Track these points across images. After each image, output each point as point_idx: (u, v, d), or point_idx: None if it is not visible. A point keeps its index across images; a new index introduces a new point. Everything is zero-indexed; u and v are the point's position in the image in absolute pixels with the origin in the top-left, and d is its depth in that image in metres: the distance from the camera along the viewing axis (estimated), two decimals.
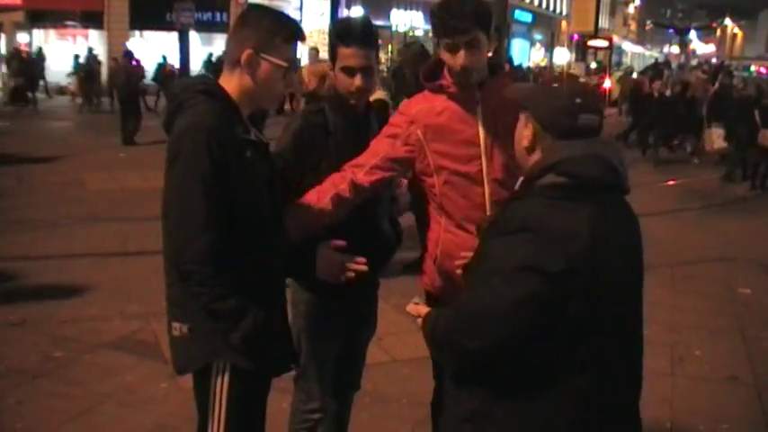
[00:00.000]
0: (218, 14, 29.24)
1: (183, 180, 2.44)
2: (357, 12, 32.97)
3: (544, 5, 54.76)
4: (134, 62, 17.90)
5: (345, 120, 3.19)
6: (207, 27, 26.41)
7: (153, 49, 27.25)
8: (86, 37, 26.60)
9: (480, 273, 2.16)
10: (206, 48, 26.39)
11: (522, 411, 2.14)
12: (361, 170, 3.11)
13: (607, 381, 2.14)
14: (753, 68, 67.44)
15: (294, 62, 2.74)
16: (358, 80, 3.10)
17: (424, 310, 2.45)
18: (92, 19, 26.70)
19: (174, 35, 22.20)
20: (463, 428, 2.26)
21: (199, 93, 2.57)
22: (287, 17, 2.78)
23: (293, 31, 2.69)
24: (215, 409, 2.60)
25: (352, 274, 2.99)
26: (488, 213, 3.06)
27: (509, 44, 18.23)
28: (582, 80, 2.75)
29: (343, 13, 28.29)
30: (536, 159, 2.24)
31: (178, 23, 16.16)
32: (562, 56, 47.30)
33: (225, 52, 2.77)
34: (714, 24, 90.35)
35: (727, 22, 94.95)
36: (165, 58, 23.39)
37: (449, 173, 3.13)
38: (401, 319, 3.36)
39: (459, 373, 2.29)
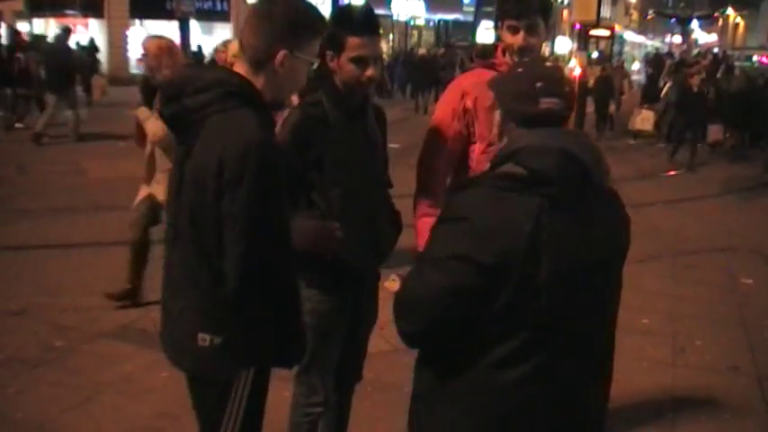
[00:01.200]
0: (218, 3, 29.18)
1: (252, 205, 2.31)
2: (358, 0, 32.90)
3: None
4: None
5: (344, 111, 3.16)
6: (207, 16, 26.38)
7: None
8: (86, 26, 26.54)
9: (418, 258, 2.16)
10: (206, 37, 26.31)
11: (465, 396, 2.13)
12: (447, 164, 3.42)
13: (549, 378, 2.08)
14: (755, 58, 67.25)
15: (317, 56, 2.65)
16: (371, 70, 3.09)
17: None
18: (91, 8, 26.65)
19: (175, 24, 22.16)
20: (417, 407, 2.30)
21: (235, 95, 2.42)
22: (311, 9, 2.62)
23: (322, 25, 2.61)
24: (234, 405, 2.56)
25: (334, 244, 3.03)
26: None
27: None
28: (548, 64, 2.73)
29: (344, 1, 28.23)
30: (501, 146, 2.22)
31: (179, 12, 16.08)
32: (564, 45, 47.18)
33: (244, 46, 2.53)
34: (716, 14, 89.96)
35: (729, 11, 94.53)
36: None
37: (486, 144, 3.28)
38: None
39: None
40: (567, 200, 2.05)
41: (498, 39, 3.44)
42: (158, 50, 5.39)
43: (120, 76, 25.93)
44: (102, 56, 26.25)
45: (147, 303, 5.87)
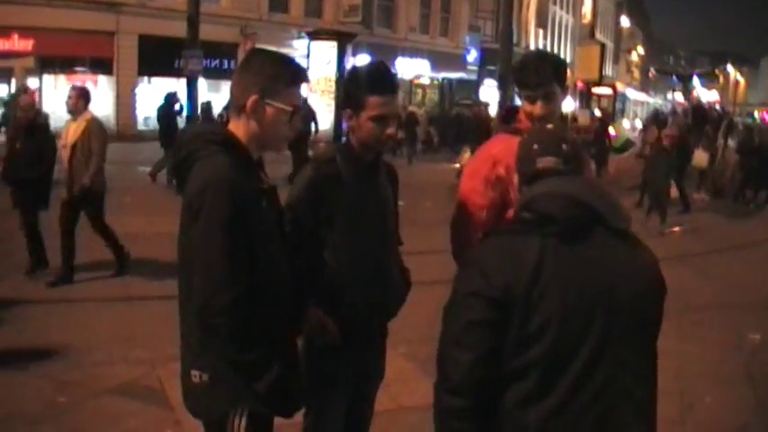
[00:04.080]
0: (225, 61, 29.55)
1: (208, 234, 2.47)
2: (363, 59, 33.28)
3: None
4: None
5: (357, 169, 3.19)
6: (215, 74, 26.66)
7: (160, 94, 27.55)
8: (95, 82, 26.83)
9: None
10: (213, 94, 26.59)
11: None
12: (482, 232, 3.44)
13: (572, 413, 2.14)
14: (756, 114, 67.76)
15: (298, 105, 2.75)
16: (391, 128, 3.14)
17: None
18: (101, 65, 26.99)
19: (181, 81, 22.39)
20: None
21: (212, 143, 2.59)
22: (289, 60, 2.81)
23: (296, 74, 2.73)
24: None
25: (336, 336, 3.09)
26: None
27: (513, 91, 18.24)
28: (549, 126, 2.88)
29: (350, 60, 28.57)
30: None
31: (186, 70, 16.25)
32: (566, 103, 47.59)
33: (230, 98, 2.76)
34: (716, 71, 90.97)
35: (729, 68, 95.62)
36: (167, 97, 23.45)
37: None
38: (409, 367, 3.34)
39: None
40: (572, 239, 2.19)
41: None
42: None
43: (127, 133, 26.19)
44: (111, 112, 26.46)
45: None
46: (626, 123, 43.14)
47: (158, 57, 26.84)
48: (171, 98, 17.97)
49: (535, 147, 2.38)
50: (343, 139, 3.36)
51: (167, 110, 17.77)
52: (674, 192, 12.47)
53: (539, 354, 2.13)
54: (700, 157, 19.34)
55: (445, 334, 2.25)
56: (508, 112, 3.75)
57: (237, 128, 2.68)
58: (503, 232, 2.32)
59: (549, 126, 2.57)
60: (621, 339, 2.20)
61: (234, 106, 2.70)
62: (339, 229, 3.12)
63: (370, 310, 3.23)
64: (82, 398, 5.33)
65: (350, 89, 3.20)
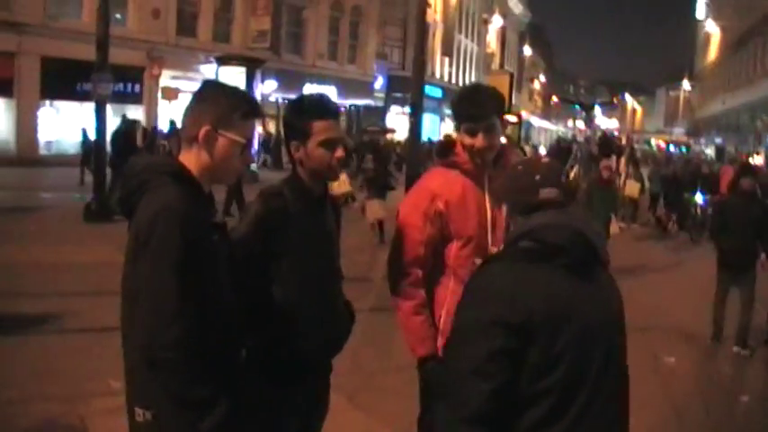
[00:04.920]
0: (130, 85, 28.99)
1: (155, 266, 2.40)
2: (271, 85, 33.19)
3: (453, 80, 56.20)
4: None
5: (306, 202, 3.15)
6: (120, 98, 26.04)
7: (64, 120, 26.81)
8: None
9: (449, 340, 2.31)
10: (117, 119, 26.01)
11: None
12: (421, 269, 3.49)
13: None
14: (653, 141, 70.43)
15: (251, 139, 2.73)
16: (340, 151, 3.13)
17: None
18: (0, 87, 26.03)
19: (86, 105, 21.83)
20: None
21: (164, 174, 2.54)
22: (243, 93, 2.80)
23: (251, 108, 2.71)
24: None
25: None
26: None
27: (420, 119, 18.52)
28: (544, 160, 2.95)
29: (258, 87, 28.38)
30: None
31: (95, 95, 15.82)
32: None
33: (181, 128, 2.72)
34: (615, 101, 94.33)
35: (627, 97, 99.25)
36: (85, 131, 22.82)
37: (464, 241, 3.45)
38: (337, 399, 3.35)
39: None
40: (579, 269, 2.28)
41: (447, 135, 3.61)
42: None
43: (28, 158, 25.31)
44: (11, 136, 25.59)
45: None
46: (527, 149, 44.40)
47: (62, 79, 26.09)
48: (131, 123, 17.87)
49: (537, 178, 2.41)
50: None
51: (126, 134, 17.51)
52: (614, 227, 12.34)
53: (553, 381, 2.18)
54: (632, 188, 20.22)
55: (458, 362, 2.21)
56: (444, 144, 3.75)
57: (189, 159, 2.64)
58: (512, 259, 2.31)
59: (545, 160, 2.60)
60: (612, 367, 2.33)
61: (186, 137, 2.66)
62: (288, 264, 3.07)
63: (320, 345, 3.20)
64: None
65: (293, 120, 3.16)
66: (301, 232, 3.08)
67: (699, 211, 18.54)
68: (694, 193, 18.77)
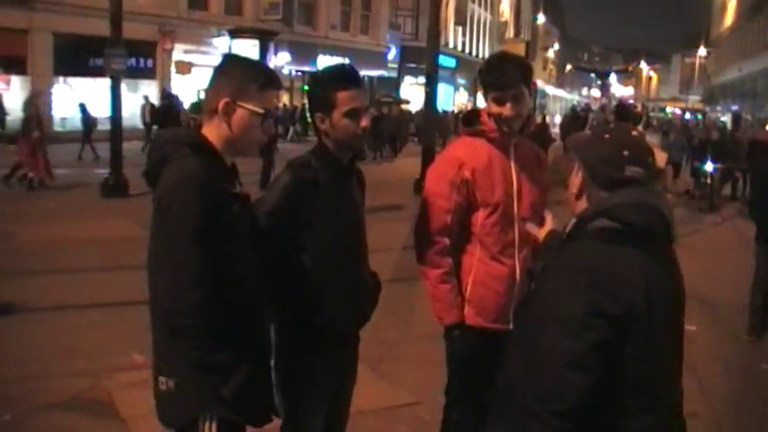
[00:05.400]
0: (142, 60, 28.95)
1: (175, 234, 2.44)
2: (284, 57, 33.09)
3: (467, 50, 55.86)
4: None
5: (334, 172, 3.14)
6: (133, 73, 25.99)
7: (77, 95, 26.80)
8: (8, 83, 25.91)
9: (540, 322, 2.17)
10: (131, 94, 25.97)
11: None
12: (448, 237, 3.52)
13: (662, 416, 2.21)
14: (668, 109, 69.86)
15: (270, 109, 2.75)
16: (365, 120, 3.11)
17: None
18: (14, 64, 26.02)
19: (99, 81, 21.82)
20: None
21: (185, 145, 2.58)
22: (262, 65, 2.86)
23: (269, 79, 2.73)
24: None
25: None
26: (516, 250, 3.52)
27: (435, 89, 18.46)
28: (634, 132, 2.79)
29: (271, 59, 28.33)
30: (583, 205, 2.32)
31: (109, 70, 15.78)
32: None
33: (204, 101, 2.76)
34: (630, 68, 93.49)
35: (643, 65, 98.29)
36: (83, 107, 22.81)
37: (491, 209, 3.48)
38: (361, 369, 3.36)
39: None
40: (661, 254, 2.24)
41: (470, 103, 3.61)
42: None
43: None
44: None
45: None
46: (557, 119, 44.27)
47: (75, 56, 26.12)
48: (172, 97, 17.92)
49: (626, 153, 2.27)
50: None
51: (167, 109, 17.62)
52: None
53: (649, 371, 2.15)
54: (660, 158, 19.69)
55: (553, 353, 2.09)
56: (470, 114, 3.78)
57: (210, 131, 2.68)
58: (597, 239, 2.20)
59: (635, 132, 2.42)
60: (680, 345, 2.34)
61: (207, 110, 2.70)
62: (318, 234, 3.07)
63: (349, 315, 3.21)
64: (27, 414, 5.10)
65: (317, 92, 3.15)
66: (330, 202, 3.09)
67: (709, 179, 17.99)
68: (704, 162, 18.12)
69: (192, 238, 2.42)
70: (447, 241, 3.53)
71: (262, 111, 2.67)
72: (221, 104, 2.62)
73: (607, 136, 2.35)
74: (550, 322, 2.13)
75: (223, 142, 2.67)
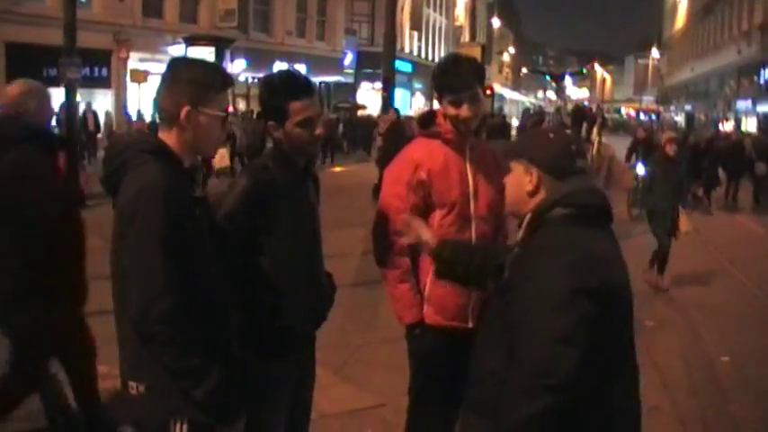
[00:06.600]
0: (98, 69, 28.63)
1: (142, 242, 2.43)
2: (240, 65, 32.93)
3: (423, 55, 56.07)
4: None
5: (291, 175, 3.15)
6: (88, 82, 25.72)
7: None
8: None
9: (524, 307, 2.28)
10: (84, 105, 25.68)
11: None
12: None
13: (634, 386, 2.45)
14: (623, 110, 70.84)
15: (228, 109, 2.77)
16: (319, 129, 3.12)
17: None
18: None
19: (54, 91, 21.56)
20: None
21: (144, 152, 2.57)
22: (214, 66, 2.87)
23: (224, 80, 2.74)
24: None
25: None
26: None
27: (392, 93, 18.56)
28: (568, 132, 3.24)
29: (228, 67, 28.14)
30: (540, 199, 2.47)
31: (65, 79, 15.59)
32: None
33: (158, 109, 2.73)
34: (584, 70, 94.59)
35: (597, 67, 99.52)
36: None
37: (447, 209, 3.52)
38: (324, 373, 3.36)
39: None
40: (611, 230, 2.48)
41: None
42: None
43: None
44: None
45: None
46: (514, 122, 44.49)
47: (28, 65, 25.61)
48: None
49: (574, 148, 2.53)
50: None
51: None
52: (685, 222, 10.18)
53: (627, 337, 2.39)
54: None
55: (541, 331, 2.21)
56: (426, 115, 3.83)
57: (168, 138, 2.66)
58: (566, 224, 2.39)
59: (569, 131, 2.79)
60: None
61: (164, 117, 2.68)
62: (276, 236, 3.07)
63: (306, 314, 3.23)
64: None
65: (269, 101, 3.15)
66: (288, 204, 3.09)
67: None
68: (635, 165, 17.10)
69: (159, 246, 2.42)
70: (404, 242, 3.54)
71: (223, 114, 2.69)
72: (183, 114, 2.60)
73: (552, 135, 2.62)
74: (535, 304, 2.25)
75: (183, 147, 2.66)
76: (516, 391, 2.20)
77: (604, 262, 2.31)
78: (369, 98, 43.51)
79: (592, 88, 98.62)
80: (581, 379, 2.18)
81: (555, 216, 2.41)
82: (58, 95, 18.66)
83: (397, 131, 16.76)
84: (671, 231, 9.61)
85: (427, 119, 3.73)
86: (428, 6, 57.00)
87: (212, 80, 2.67)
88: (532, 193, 2.49)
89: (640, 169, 16.16)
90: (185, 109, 2.59)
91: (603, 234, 2.42)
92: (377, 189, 14.60)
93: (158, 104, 2.71)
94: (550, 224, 2.40)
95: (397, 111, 19.40)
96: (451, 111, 3.51)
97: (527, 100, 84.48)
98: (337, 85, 43.67)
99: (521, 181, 2.51)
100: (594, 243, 2.35)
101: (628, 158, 18.40)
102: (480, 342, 2.56)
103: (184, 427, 2.57)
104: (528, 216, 2.49)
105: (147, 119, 24.14)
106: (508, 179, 2.59)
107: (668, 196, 9.73)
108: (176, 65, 2.77)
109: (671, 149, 10.05)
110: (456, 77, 3.51)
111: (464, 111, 3.47)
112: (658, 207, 9.73)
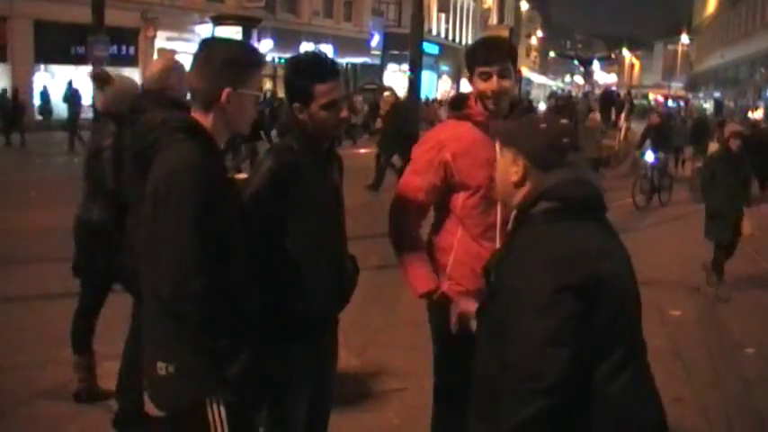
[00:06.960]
0: (125, 47, 28.78)
1: (176, 221, 2.43)
2: (267, 45, 32.93)
3: (450, 37, 55.79)
4: None
5: (315, 157, 3.17)
6: (116, 61, 25.85)
7: (60, 83, 26.59)
8: None
9: (510, 310, 2.21)
10: None
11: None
12: (419, 212, 3.60)
13: (642, 379, 2.33)
14: (651, 96, 70.07)
15: (262, 87, 2.77)
16: (344, 111, 3.13)
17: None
18: None
19: (81, 69, 21.67)
20: None
21: (178, 130, 2.57)
22: (247, 46, 2.91)
23: (259, 60, 2.79)
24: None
25: None
26: (498, 233, 3.49)
27: (419, 75, 18.48)
28: (564, 121, 2.98)
29: (255, 46, 28.16)
30: (526, 191, 2.38)
31: (92, 57, 15.68)
32: (469, 87, 48.17)
33: (192, 90, 2.75)
34: (613, 55, 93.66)
35: (625, 52, 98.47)
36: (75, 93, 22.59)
37: (471, 191, 3.49)
38: (344, 355, 3.40)
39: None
40: (603, 223, 2.39)
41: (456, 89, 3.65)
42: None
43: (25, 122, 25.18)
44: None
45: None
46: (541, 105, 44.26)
47: (56, 43, 25.93)
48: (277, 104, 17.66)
49: (565, 140, 2.41)
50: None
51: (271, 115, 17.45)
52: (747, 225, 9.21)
53: (628, 330, 2.28)
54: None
55: (529, 335, 2.14)
56: (458, 98, 3.82)
57: (205, 119, 2.67)
58: (549, 221, 2.30)
59: (564, 120, 2.61)
60: (639, 317, 2.44)
61: (201, 100, 2.68)
62: (301, 218, 3.09)
63: (329, 297, 3.24)
64: (13, 404, 5.08)
65: (294, 82, 3.14)
66: (312, 186, 3.11)
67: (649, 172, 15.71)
68: (644, 152, 16.29)
69: (193, 225, 2.43)
70: (418, 217, 3.61)
71: (260, 93, 2.74)
72: (224, 96, 2.62)
73: (544, 125, 2.49)
74: (519, 307, 2.19)
75: (219, 127, 2.68)
76: (509, 397, 2.15)
77: (589, 255, 2.21)
78: (395, 80, 43.39)
79: (620, 73, 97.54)
80: (576, 378, 2.13)
81: (538, 211, 2.33)
82: (85, 73, 18.83)
83: (398, 113, 16.69)
84: (730, 239, 8.91)
85: (459, 101, 3.73)
86: None
87: (248, 61, 2.70)
88: (518, 184, 2.41)
89: (650, 156, 15.82)
90: (226, 92, 2.61)
91: (593, 226, 2.32)
92: (401, 171, 14.60)
93: (193, 86, 2.71)
94: (534, 221, 2.33)
95: (393, 91, 19.32)
96: (481, 85, 3.47)
97: (554, 84, 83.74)
98: (364, 66, 43.60)
99: (508, 170, 2.43)
100: (578, 237, 2.26)
101: (640, 145, 17.18)
102: (479, 346, 2.50)
103: (222, 408, 2.58)
104: (514, 212, 2.45)
105: None
106: (497, 166, 2.52)
107: (731, 197, 8.74)
108: (211, 45, 2.78)
109: (734, 144, 9.08)
110: (487, 51, 3.50)
111: (493, 84, 3.43)
112: (721, 210, 8.75)
